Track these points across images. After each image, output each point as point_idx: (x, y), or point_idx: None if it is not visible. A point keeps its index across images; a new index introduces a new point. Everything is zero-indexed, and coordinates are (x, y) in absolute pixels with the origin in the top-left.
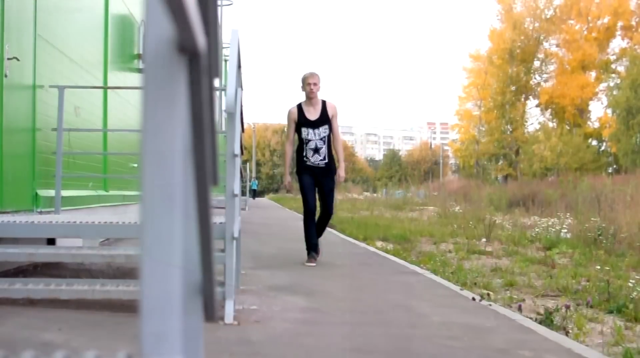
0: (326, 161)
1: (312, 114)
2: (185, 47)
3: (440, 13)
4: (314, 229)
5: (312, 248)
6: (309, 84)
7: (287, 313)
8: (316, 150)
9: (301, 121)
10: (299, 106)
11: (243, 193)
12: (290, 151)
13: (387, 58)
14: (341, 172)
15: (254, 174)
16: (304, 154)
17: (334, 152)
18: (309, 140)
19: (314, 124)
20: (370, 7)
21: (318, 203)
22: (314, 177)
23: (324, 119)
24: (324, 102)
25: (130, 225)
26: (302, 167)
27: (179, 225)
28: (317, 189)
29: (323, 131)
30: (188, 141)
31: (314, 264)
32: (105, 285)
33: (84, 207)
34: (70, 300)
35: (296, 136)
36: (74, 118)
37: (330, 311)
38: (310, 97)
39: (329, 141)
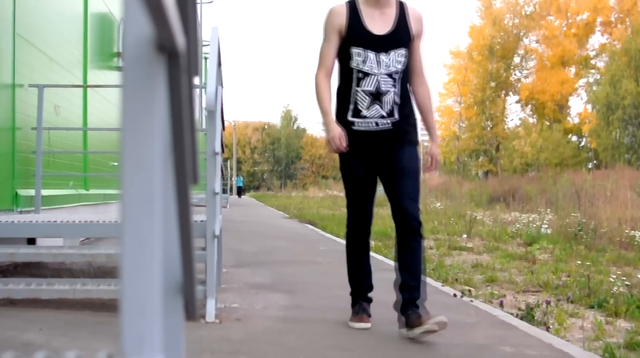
0: (396, 118)
1: (378, 24)
2: (164, 46)
3: (421, 9)
4: (367, 259)
5: (361, 294)
6: None
7: (269, 311)
8: (378, 96)
9: (354, 34)
10: (352, 5)
11: (224, 191)
12: (326, 86)
13: None
14: (434, 148)
15: (234, 172)
16: (351, 104)
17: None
18: (367, 74)
19: (381, 44)
20: None
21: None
22: (368, 158)
23: (402, 36)
24: (401, 6)
25: (111, 224)
26: (346, 136)
27: (159, 223)
28: (378, 178)
29: (397, 58)
30: (168, 139)
31: (367, 325)
32: (86, 284)
33: (65, 206)
34: (51, 300)
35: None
36: (53, 117)
37: (311, 309)
38: None
39: (404, 81)
